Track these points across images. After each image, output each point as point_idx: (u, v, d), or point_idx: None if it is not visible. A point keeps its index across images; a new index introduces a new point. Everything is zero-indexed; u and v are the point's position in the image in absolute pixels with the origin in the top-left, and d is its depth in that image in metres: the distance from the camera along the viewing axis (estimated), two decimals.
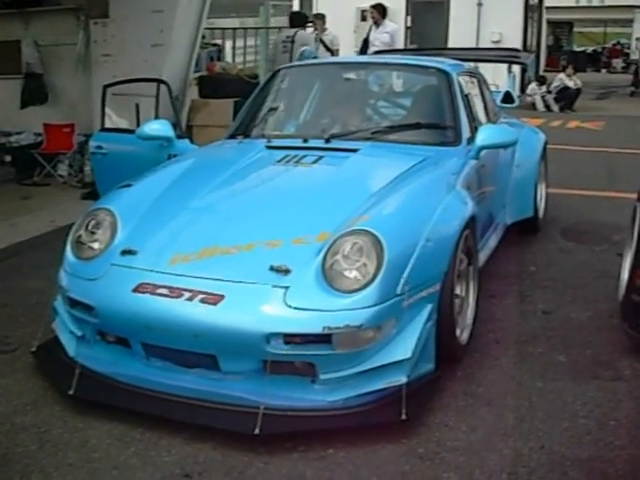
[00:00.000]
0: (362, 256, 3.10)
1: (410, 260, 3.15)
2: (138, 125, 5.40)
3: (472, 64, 5.70)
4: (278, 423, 2.98)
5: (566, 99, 15.71)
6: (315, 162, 3.90)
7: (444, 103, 4.31)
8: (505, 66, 9.74)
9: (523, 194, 5.34)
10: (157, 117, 5.41)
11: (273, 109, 4.62)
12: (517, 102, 6.19)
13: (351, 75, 4.73)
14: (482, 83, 5.23)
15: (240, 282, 3.13)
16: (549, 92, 15.85)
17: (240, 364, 3.11)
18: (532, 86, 16.03)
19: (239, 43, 13.67)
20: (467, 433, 3.08)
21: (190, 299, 3.09)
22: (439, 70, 4.52)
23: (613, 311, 4.22)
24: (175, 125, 7.53)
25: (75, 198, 6.96)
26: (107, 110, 6.30)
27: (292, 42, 9.05)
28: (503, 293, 4.58)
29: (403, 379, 3.10)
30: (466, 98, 4.54)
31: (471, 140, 4.18)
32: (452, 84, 4.37)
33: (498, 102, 6.04)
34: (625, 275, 4.22)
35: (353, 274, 3.07)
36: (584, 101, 16.43)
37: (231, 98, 7.76)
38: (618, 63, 30.59)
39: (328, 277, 3.07)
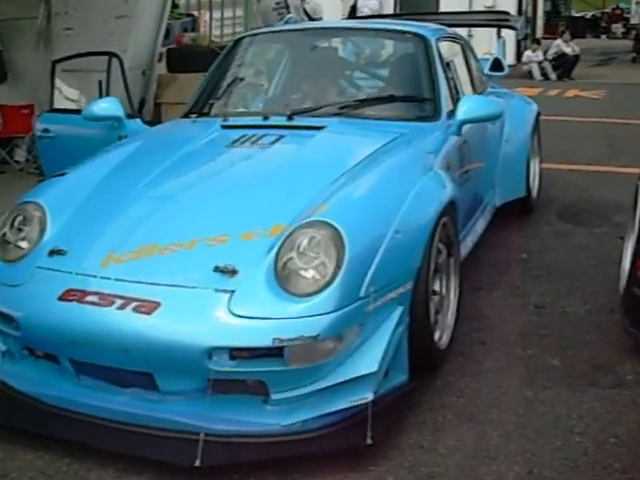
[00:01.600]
0: (320, 253, 2.72)
1: (376, 256, 2.77)
2: None
3: (459, 29, 5.32)
4: (223, 452, 2.61)
5: (564, 66, 15.29)
6: (274, 143, 3.50)
7: (421, 72, 3.91)
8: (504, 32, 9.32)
9: (514, 172, 4.95)
10: (108, 94, 5.00)
11: (232, 83, 4.20)
12: (507, 70, 5.77)
13: (318, 43, 4.31)
14: (466, 49, 4.82)
15: (179, 286, 2.75)
16: (546, 59, 15.41)
17: (181, 383, 2.74)
18: (528, 53, 15.59)
19: (217, 15, 13.19)
20: (444, 456, 2.72)
21: (122, 307, 2.72)
22: (415, 35, 4.10)
23: (614, 304, 3.85)
24: (142, 103, 7.25)
25: (32, 187, 6.53)
26: (68, 89, 5.92)
27: (286, 7, 8.63)
28: (491, 284, 4.21)
29: (369, 396, 2.72)
30: (447, 66, 4.14)
31: (452, 114, 3.78)
32: (430, 51, 3.97)
33: (486, 70, 5.64)
34: (627, 264, 3.84)
35: (309, 274, 2.70)
36: (583, 68, 15.99)
37: (202, 72, 7.35)
38: (618, 28, 30.14)
39: (280, 278, 2.70)
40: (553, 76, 15.18)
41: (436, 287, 3.29)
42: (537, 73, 15.19)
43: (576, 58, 15.52)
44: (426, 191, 3.11)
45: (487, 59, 5.90)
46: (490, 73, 5.65)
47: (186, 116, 4.20)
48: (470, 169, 3.94)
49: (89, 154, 3.74)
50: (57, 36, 7.51)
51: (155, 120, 6.37)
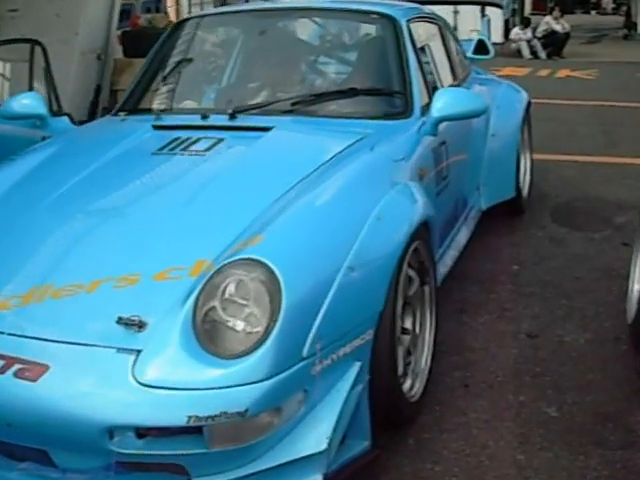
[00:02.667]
0: (250, 301, 2.13)
1: (324, 302, 2.18)
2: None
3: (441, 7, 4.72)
4: None
5: (554, 44, 14.70)
6: (210, 149, 2.90)
7: (389, 60, 3.30)
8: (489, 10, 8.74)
9: (502, 170, 4.36)
10: (31, 88, 4.38)
11: (170, 74, 3.58)
12: (493, 53, 5.18)
13: (271, 25, 3.68)
14: (445, 30, 4.21)
15: (73, 344, 2.16)
16: (535, 37, 14.81)
17: (81, 461, 2.18)
18: (516, 30, 14.97)
19: None
20: None
21: (2, 371, 2.14)
22: (383, 16, 3.48)
23: (620, 331, 3.30)
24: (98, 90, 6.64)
25: None
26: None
27: None
28: (475, 306, 3.64)
29: (318, 478, 2.17)
30: (421, 52, 3.54)
31: (427, 109, 3.19)
32: (400, 34, 3.36)
33: (469, 53, 5.04)
34: (636, 280, 3.29)
35: (237, 329, 2.11)
36: (573, 46, 15.39)
37: None
38: (608, 3, 29.59)
39: (200, 334, 2.11)
40: (543, 55, 14.58)
41: (407, 324, 2.73)
42: (526, 52, 14.59)
43: (567, 36, 14.92)
44: (392, 211, 2.52)
45: (471, 40, 5.33)
46: (474, 56, 5.07)
47: (117, 113, 3.59)
48: (449, 174, 3.35)
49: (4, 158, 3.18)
50: (2, 18, 6.91)
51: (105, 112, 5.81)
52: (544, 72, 12.28)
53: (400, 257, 2.46)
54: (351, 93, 3.21)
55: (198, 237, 2.39)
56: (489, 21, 5.68)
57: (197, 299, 2.16)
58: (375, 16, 3.51)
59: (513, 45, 14.84)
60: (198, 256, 2.31)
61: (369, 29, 3.61)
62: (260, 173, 2.72)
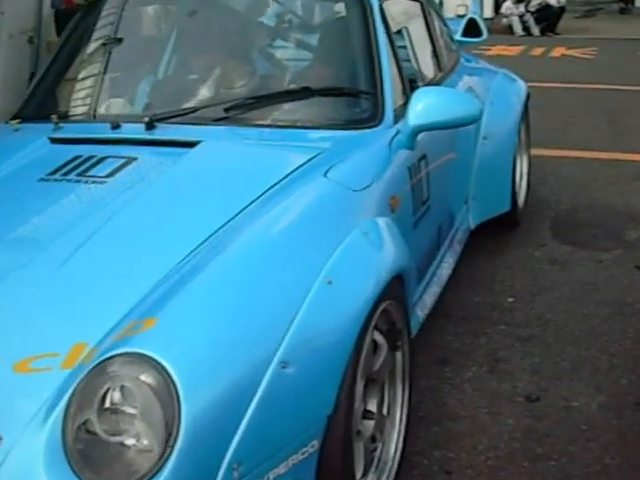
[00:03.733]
0: (137, 412, 1.52)
1: (244, 413, 1.57)
2: None
3: None
4: None
5: (548, 20, 14.02)
6: (113, 174, 2.24)
7: (354, 50, 2.65)
8: None
9: (495, 181, 3.72)
10: None
11: (79, 69, 2.92)
12: (486, 34, 4.54)
13: (205, 5, 3.00)
14: (428, 9, 3.54)
15: None
16: (528, 11, 14.14)
17: None
18: (508, 4, 14.28)
19: None
20: None
21: None
22: None
23: None
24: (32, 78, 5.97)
25: None
26: None
27: None
28: (461, 355, 3.02)
29: None
30: (397, 38, 2.90)
31: (402, 112, 2.55)
32: (370, 16, 2.70)
33: (458, 36, 4.40)
34: None
35: (121, 450, 1.51)
36: (567, 20, 14.71)
37: None
38: None
39: (71, 456, 1.50)
40: (536, 31, 13.91)
41: (371, 407, 2.12)
42: (518, 28, 13.91)
43: (562, 10, 14.25)
44: (349, 268, 1.87)
45: (459, 19, 4.70)
46: (463, 39, 4.43)
47: (14, 119, 2.91)
48: (431, 196, 2.72)
49: None
50: None
51: None
52: (538, 50, 11.62)
53: (361, 332, 1.84)
54: (303, 94, 2.55)
55: (76, 312, 1.75)
56: None
57: (67, 407, 1.54)
58: None
59: (504, 20, 14.15)
60: (75, 339, 1.68)
61: (329, 9, 2.95)
62: (169, 216, 2.04)
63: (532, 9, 14.15)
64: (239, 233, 1.87)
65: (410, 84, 2.88)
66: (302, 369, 1.66)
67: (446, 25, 4.00)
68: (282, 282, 1.75)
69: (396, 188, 2.37)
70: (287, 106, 2.55)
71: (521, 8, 14.19)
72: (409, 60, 3.06)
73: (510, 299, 3.47)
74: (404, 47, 3.03)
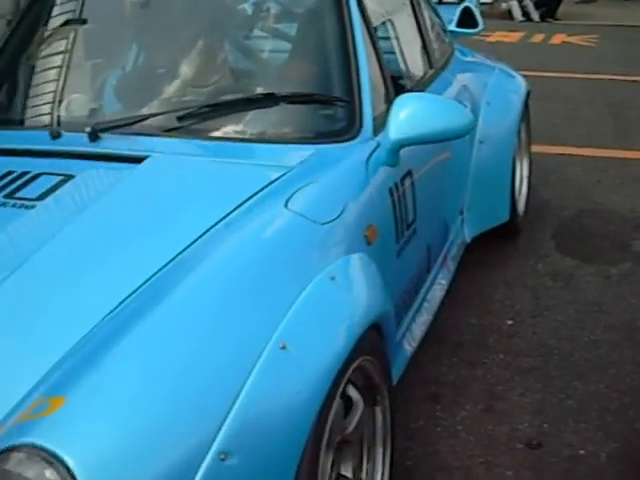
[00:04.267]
0: None
1: None
2: None
3: None
4: None
5: (548, 4, 13.59)
6: (46, 195, 1.90)
7: (327, 48, 2.29)
8: None
9: (493, 188, 3.37)
10: None
11: (17, 67, 2.57)
12: (482, 25, 4.19)
13: None
14: None
15: None
16: None
17: None
18: None
19: None
20: None
21: None
22: None
23: None
24: None
25: None
26: None
27: None
28: (454, 391, 2.69)
29: None
30: (379, 32, 2.55)
31: (383, 121, 2.20)
32: (344, 8, 2.31)
33: (452, 26, 4.06)
34: None
35: None
36: (567, 5, 14.26)
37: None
38: None
39: None
40: (536, 16, 13.48)
41: (346, 471, 1.80)
42: (518, 13, 13.48)
43: None
44: (310, 325, 1.53)
45: (453, 5, 4.35)
46: (457, 30, 4.08)
47: None
48: (418, 216, 2.37)
49: None
50: None
51: None
52: (538, 37, 11.22)
53: (325, 402, 1.51)
54: (266, 102, 2.18)
55: None
56: None
57: None
58: None
59: (503, 5, 13.74)
60: None
61: (298, 2, 2.59)
62: (96, 255, 1.69)
63: None
64: (176, 282, 1.53)
65: (395, 86, 2.54)
66: (247, 458, 1.33)
67: (438, 15, 3.65)
68: (223, 351, 1.41)
69: (374, 215, 2.02)
70: (247, 116, 2.18)
71: None
72: (394, 57, 2.71)
73: (509, 322, 3.14)
74: (388, 42, 2.68)
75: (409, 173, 2.29)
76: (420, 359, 2.64)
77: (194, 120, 2.12)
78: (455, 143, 2.95)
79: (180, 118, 2.13)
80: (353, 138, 2.14)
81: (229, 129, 2.15)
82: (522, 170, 3.90)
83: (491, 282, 3.44)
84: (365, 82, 2.23)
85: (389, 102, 2.34)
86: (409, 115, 2.09)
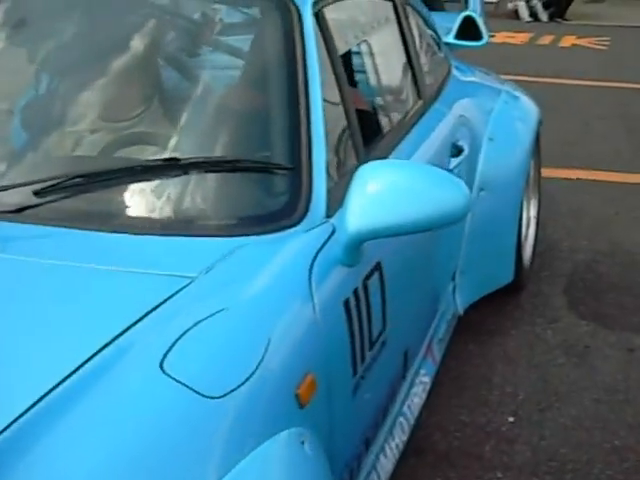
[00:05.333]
0: None
1: None
2: None
3: None
4: None
5: (557, 5, 12.82)
6: None
7: (267, 91, 1.57)
8: None
9: (494, 245, 2.66)
10: None
11: None
12: (486, 38, 3.47)
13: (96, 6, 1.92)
14: (402, 9, 2.39)
15: None
16: None
17: None
18: None
19: None
20: None
21: None
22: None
23: None
24: None
25: None
26: None
27: None
28: None
29: None
30: (348, 60, 1.85)
31: (343, 193, 1.49)
32: (296, 32, 1.61)
33: (450, 38, 3.33)
34: None
35: None
36: (576, 5, 13.45)
37: None
38: None
39: None
40: (544, 16, 12.69)
41: None
42: (525, 13, 12.69)
43: None
44: None
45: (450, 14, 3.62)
46: (457, 42, 3.36)
47: None
48: (390, 319, 1.67)
49: None
50: None
51: None
52: (546, 39, 10.44)
53: None
54: (165, 171, 1.46)
55: None
56: None
57: None
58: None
59: (510, 5, 12.95)
60: None
61: (234, 25, 1.82)
62: None
63: None
64: None
65: (371, 129, 1.85)
66: None
67: (432, 26, 2.92)
68: None
69: (316, 357, 1.31)
70: (131, 192, 1.47)
71: None
72: (371, 91, 2.01)
73: (510, 418, 2.43)
74: (363, 73, 1.98)
75: (377, 267, 1.59)
76: None
77: (58, 196, 1.41)
78: None
79: (38, 193, 1.42)
80: (294, 225, 1.43)
81: (104, 213, 1.43)
82: (529, 211, 3.19)
83: (488, 359, 2.73)
84: (318, 139, 1.52)
85: (359, 159, 1.65)
86: (376, 195, 1.39)
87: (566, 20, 12.63)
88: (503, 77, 3.77)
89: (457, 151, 2.28)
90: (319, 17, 1.70)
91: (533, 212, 3.26)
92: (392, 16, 2.33)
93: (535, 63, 7.65)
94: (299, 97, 1.54)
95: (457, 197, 1.43)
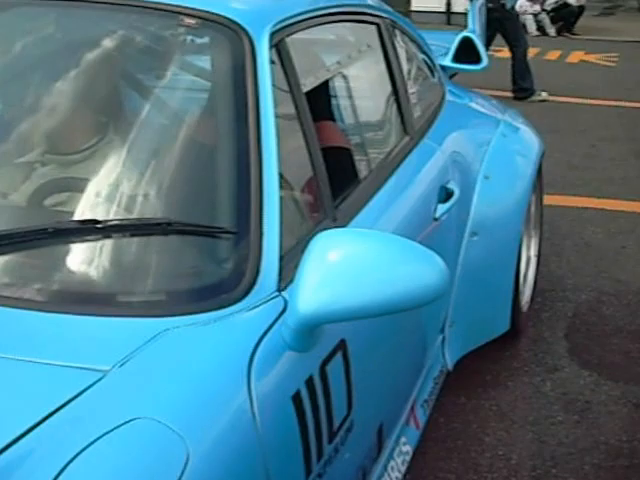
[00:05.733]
0: None
1: None
2: None
3: None
4: None
5: (565, 19, 12.58)
6: None
7: (211, 140, 1.32)
8: None
9: (488, 294, 2.41)
10: None
11: None
12: (486, 61, 3.23)
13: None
14: (388, 33, 2.13)
15: None
16: (544, 10, 12.70)
17: None
18: (522, 1, 12.80)
19: None
20: None
21: None
22: (215, 24, 1.41)
23: None
24: None
25: None
26: None
27: None
28: None
29: None
30: (316, 98, 1.61)
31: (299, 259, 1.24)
32: (249, 69, 1.36)
33: (447, 61, 3.09)
34: None
35: None
36: (585, 19, 13.16)
37: None
38: None
39: None
40: (552, 31, 12.45)
41: None
42: (532, 27, 12.44)
43: (580, 9, 12.76)
44: None
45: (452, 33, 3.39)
46: (454, 66, 3.12)
47: None
48: (356, 404, 1.43)
49: None
50: None
51: None
52: (553, 55, 10.19)
53: None
54: (83, 233, 1.22)
55: None
56: (483, 5, 3.69)
57: None
58: (194, 23, 1.44)
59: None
60: None
61: (178, 59, 1.56)
62: None
63: (548, 8, 12.72)
64: None
65: (343, 176, 1.60)
66: None
67: (424, 48, 2.66)
68: None
69: (251, 469, 1.06)
70: (46, 258, 1.23)
71: (536, 6, 12.70)
72: (345, 128, 1.77)
73: None
74: (336, 110, 1.74)
75: (340, 346, 1.34)
76: None
77: None
78: (436, 239, 2.03)
79: None
80: (237, 301, 1.19)
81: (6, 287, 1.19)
82: (530, 250, 2.94)
83: (479, 417, 2.48)
84: (271, 195, 1.28)
85: (326, 214, 1.40)
86: (334, 271, 1.14)
87: (574, 35, 12.39)
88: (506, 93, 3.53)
89: (447, 195, 2.03)
90: (280, 48, 1.46)
91: (533, 251, 3.01)
92: (376, 41, 2.09)
93: (540, 79, 7.38)
94: (248, 144, 1.29)
95: (431, 274, 1.19)
